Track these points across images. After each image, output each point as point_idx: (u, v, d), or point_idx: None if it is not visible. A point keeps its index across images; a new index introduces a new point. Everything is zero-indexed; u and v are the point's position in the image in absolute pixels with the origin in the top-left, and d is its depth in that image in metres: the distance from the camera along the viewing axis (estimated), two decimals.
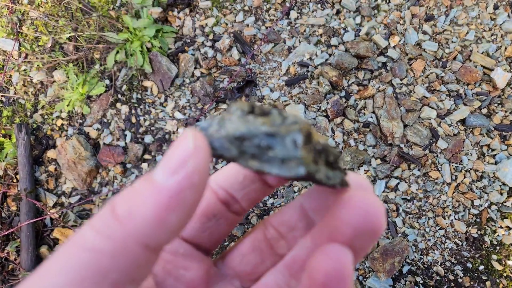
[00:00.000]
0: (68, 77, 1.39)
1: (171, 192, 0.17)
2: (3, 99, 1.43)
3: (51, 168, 1.31)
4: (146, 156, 1.29)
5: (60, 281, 0.16)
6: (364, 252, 0.21)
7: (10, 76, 1.45)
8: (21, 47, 1.47)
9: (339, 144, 1.21)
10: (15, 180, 1.31)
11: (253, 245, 0.27)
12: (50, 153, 1.32)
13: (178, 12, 1.41)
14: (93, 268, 0.17)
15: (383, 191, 1.18)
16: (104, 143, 1.30)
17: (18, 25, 1.52)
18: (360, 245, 0.20)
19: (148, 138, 1.29)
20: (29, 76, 1.43)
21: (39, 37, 1.47)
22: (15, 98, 1.43)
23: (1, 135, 1.36)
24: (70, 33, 1.42)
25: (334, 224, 0.21)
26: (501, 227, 1.19)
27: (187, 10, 1.40)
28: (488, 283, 1.14)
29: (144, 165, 1.28)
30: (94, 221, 0.18)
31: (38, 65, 1.44)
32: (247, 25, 1.34)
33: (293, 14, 1.35)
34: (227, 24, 1.36)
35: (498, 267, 1.15)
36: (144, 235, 0.17)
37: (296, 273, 0.25)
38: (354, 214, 0.20)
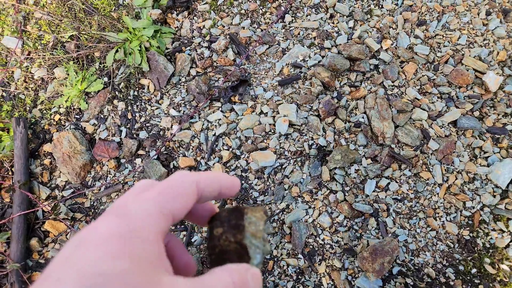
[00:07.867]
0: (68, 74, 1.42)
1: None
2: (4, 94, 1.47)
3: (47, 161, 1.33)
4: (140, 152, 1.30)
5: None
6: None
7: (12, 72, 1.49)
8: (24, 45, 1.52)
9: (330, 143, 1.22)
10: (10, 173, 1.33)
11: None
12: (46, 147, 1.34)
13: (177, 14, 1.45)
14: None
15: (373, 191, 1.18)
16: (99, 138, 1.32)
17: (22, 24, 1.57)
18: None
19: (143, 134, 1.31)
20: (30, 72, 1.47)
21: (42, 36, 1.52)
22: (15, 93, 1.46)
23: (0, 129, 1.39)
24: (72, 32, 1.47)
25: None
26: (494, 230, 1.17)
27: (185, 13, 1.44)
28: (481, 287, 1.12)
29: (138, 160, 1.29)
30: None
31: (40, 62, 1.48)
32: (243, 28, 1.38)
33: (288, 17, 1.38)
34: (223, 26, 1.40)
35: (491, 270, 1.13)
36: None
37: None
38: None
